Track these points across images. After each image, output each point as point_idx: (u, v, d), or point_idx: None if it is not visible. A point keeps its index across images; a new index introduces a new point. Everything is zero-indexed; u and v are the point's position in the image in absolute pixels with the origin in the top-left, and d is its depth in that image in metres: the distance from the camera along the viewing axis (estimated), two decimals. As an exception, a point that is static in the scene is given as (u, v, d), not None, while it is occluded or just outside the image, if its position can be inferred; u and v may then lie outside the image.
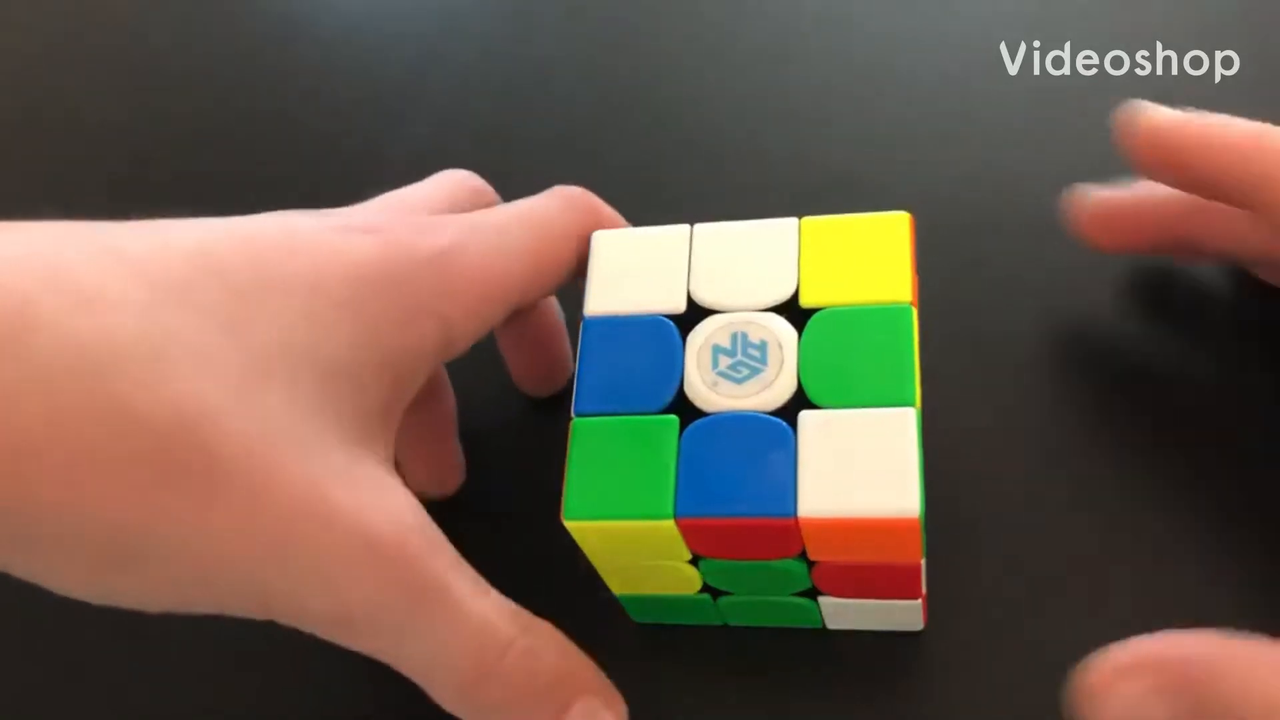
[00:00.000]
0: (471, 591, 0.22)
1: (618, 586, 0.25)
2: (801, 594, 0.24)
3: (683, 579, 0.24)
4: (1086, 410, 0.28)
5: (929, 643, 0.26)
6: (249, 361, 0.20)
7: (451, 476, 0.30)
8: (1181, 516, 0.25)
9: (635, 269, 0.24)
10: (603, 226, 0.26)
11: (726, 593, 0.25)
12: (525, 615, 0.23)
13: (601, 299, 0.24)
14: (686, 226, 0.25)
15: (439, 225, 0.24)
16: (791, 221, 0.24)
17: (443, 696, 0.23)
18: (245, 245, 0.21)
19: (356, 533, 0.20)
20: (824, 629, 0.26)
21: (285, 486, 0.20)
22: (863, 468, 0.21)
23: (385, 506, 0.21)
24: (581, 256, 0.25)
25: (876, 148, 0.32)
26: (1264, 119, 0.32)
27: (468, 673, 0.22)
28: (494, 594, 0.23)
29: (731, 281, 0.24)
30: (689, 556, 0.23)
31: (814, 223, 0.24)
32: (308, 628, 0.21)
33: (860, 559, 0.22)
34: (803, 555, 0.22)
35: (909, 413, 0.21)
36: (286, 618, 0.21)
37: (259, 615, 0.21)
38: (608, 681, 0.24)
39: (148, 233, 0.21)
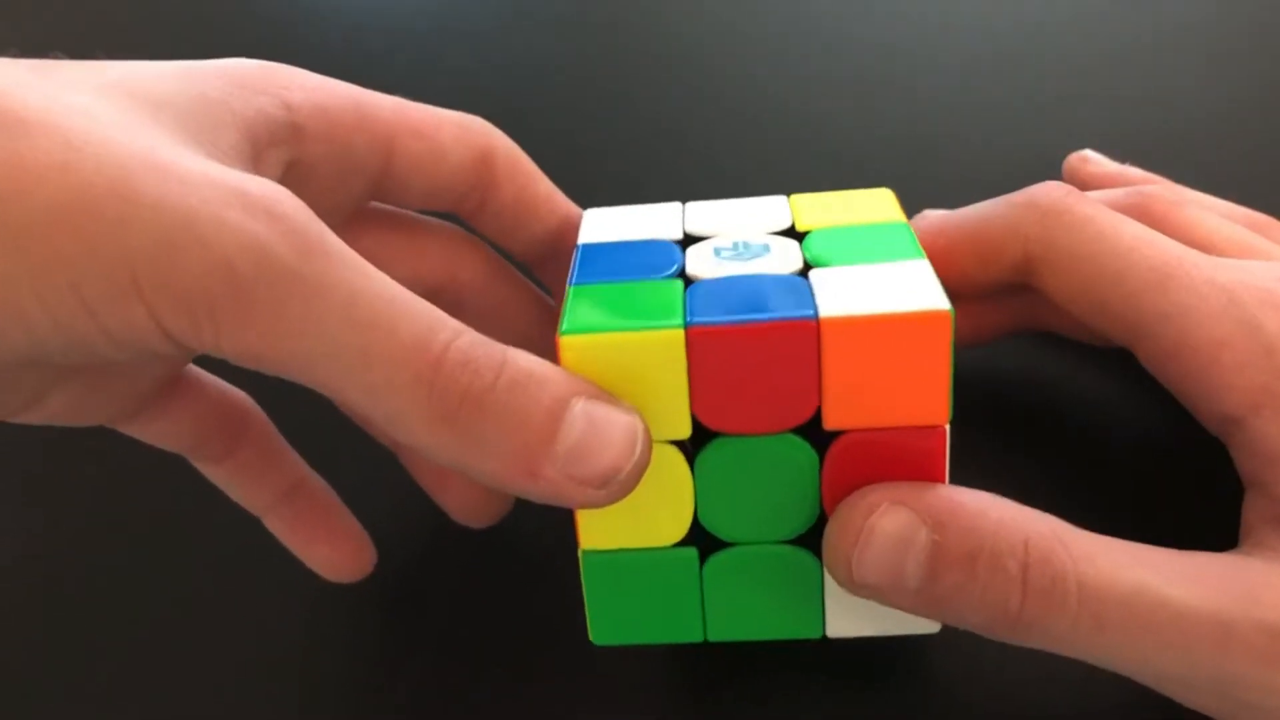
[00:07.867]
0: (376, 271, 0.18)
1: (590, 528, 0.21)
2: (806, 539, 0.21)
3: (675, 487, 0.21)
4: (1099, 418, 0.27)
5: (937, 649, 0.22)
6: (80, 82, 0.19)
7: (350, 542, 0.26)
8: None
9: (628, 230, 0.24)
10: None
11: (717, 546, 0.21)
12: None
13: (594, 236, 0.24)
14: (678, 203, 0.25)
15: None
16: (780, 197, 0.25)
17: (388, 407, 0.17)
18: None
19: (218, 184, 0.17)
20: (824, 639, 0.22)
21: (117, 141, 0.17)
22: (885, 288, 0.20)
23: (247, 175, 0.18)
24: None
25: (877, 147, 0.32)
26: (1265, 119, 0.32)
27: (414, 359, 0.17)
28: None
29: (727, 222, 0.24)
30: (689, 411, 0.20)
31: (802, 196, 0.25)
32: (194, 335, 0.17)
33: (883, 395, 0.20)
34: (816, 423, 0.20)
35: (923, 263, 0.21)
36: (163, 302, 0.17)
37: (137, 313, 0.17)
38: None
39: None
